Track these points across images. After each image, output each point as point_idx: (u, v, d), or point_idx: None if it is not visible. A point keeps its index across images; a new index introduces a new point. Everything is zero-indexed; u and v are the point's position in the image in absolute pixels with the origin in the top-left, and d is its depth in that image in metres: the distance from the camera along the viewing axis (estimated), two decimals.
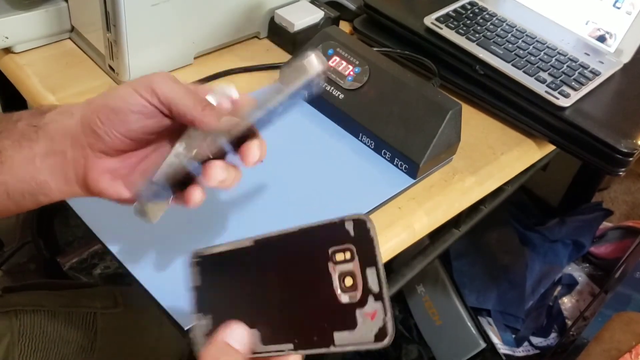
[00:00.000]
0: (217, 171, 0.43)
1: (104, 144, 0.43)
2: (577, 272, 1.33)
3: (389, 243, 0.58)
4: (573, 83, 0.72)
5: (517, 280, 1.24)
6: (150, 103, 0.42)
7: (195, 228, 0.54)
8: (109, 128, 0.42)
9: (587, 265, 1.35)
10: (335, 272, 0.35)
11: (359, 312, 0.34)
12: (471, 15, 0.79)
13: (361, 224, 0.35)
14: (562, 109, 0.70)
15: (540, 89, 0.70)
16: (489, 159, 0.70)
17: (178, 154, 0.44)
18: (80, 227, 1.17)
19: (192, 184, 0.44)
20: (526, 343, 1.23)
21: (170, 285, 0.49)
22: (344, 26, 0.85)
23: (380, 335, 0.33)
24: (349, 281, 0.34)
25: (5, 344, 0.69)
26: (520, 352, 1.22)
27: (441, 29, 0.76)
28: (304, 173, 0.62)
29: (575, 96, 0.70)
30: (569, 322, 1.23)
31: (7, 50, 0.71)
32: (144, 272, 0.50)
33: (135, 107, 0.42)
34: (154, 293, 0.49)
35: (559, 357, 1.15)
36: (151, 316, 0.80)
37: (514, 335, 1.23)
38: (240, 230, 0.54)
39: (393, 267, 0.91)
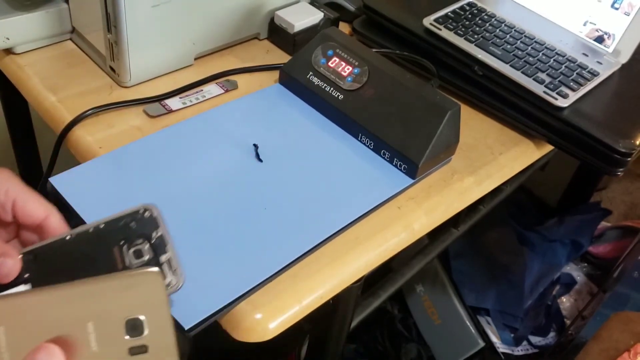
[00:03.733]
0: None
1: None
2: (576, 271, 1.33)
3: (389, 243, 0.59)
4: (571, 83, 0.72)
5: (516, 280, 1.24)
6: None
7: (195, 228, 0.54)
8: None
9: (586, 264, 1.35)
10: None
11: None
12: (470, 16, 0.80)
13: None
14: (561, 109, 0.70)
15: (538, 89, 0.71)
16: (488, 159, 0.70)
17: None
18: None
19: None
20: (525, 342, 1.23)
21: None
22: (344, 27, 0.85)
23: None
24: None
25: None
26: (519, 351, 1.22)
27: (440, 30, 0.76)
28: (303, 173, 0.62)
29: (573, 96, 0.71)
30: (568, 322, 1.24)
31: (8, 51, 0.71)
32: None
33: None
34: None
35: (557, 356, 1.15)
36: None
37: (512, 335, 1.23)
38: (240, 230, 0.55)
39: (392, 266, 0.92)
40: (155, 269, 0.37)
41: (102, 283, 0.36)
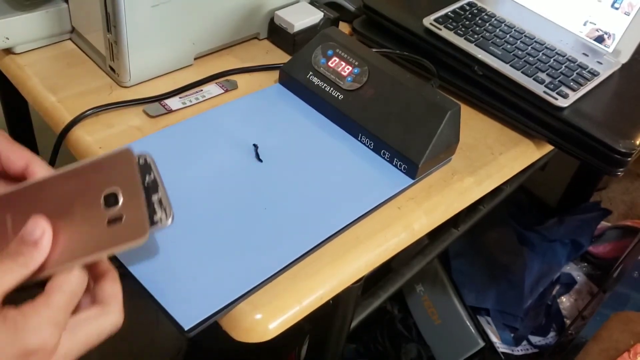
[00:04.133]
0: None
1: None
2: (576, 271, 1.33)
3: (389, 243, 0.59)
4: (571, 83, 0.72)
5: (516, 280, 1.24)
6: None
7: (194, 228, 0.54)
8: None
9: (586, 264, 1.35)
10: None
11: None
12: (470, 16, 0.80)
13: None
14: (561, 109, 0.70)
15: (538, 89, 0.71)
16: (488, 159, 0.70)
17: None
18: None
19: None
20: (525, 342, 1.23)
21: (168, 283, 0.49)
22: (344, 27, 0.85)
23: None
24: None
25: None
26: (519, 351, 1.22)
27: (440, 29, 0.76)
28: (303, 173, 0.62)
29: (573, 96, 0.71)
30: (568, 321, 1.24)
31: (8, 51, 0.71)
32: (143, 271, 0.50)
33: None
34: (153, 291, 0.49)
35: (557, 356, 1.15)
36: (148, 313, 0.80)
37: (512, 334, 1.23)
38: (240, 230, 0.55)
39: (392, 266, 0.92)
40: (127, 147, 0.42)
41: (82, 165, 0.42)
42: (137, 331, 0.80)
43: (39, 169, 0.44)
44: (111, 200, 0.40)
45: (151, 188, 0.44)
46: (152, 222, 0.44)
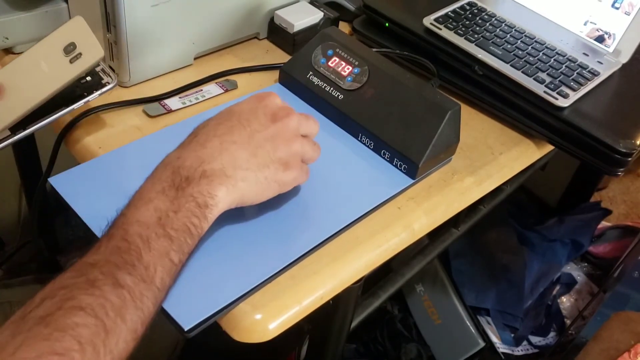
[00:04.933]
0: None
1: None
2: (576, 271, 1.33)
3: (389, 243, 0.59)
4: (572, 83, 0.72)
5: (516, 280, 1.24)
6: None
7: None
8: None
9: (586, 264, 1.35)
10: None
11: None
12: (470, 15, 0.80)
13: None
14: (561, 109, 0.70)
15: (539, 89, 0.71)
16: (488, 159, 0.70)
17: None
18: (80, 227, 1.17)
19: None
20: (525, 342, 1.23)
21: None
22: (344, 27, 0.85)
23: None
24: None
25: None
26: (519, 351, 1.22)
27: (440, 29, 0.76)
28: None
29: (574, 96, 0.71)
30: (568, 321, 1.24)
31: (7, 51, 0.71)
32: None
33: None
34: None
35: (557, 356, 1.15)
36: None
37: (512, 335, 1.23)
38: (239, 230, 0.55)
39: (392, 266, 0.92)
40: (78, 17, 0.55)
41: (47, 38, 0.55)
42: None
43: None
44: (70, 48, 0.54)
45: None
46: (103, 85, 0.58)
